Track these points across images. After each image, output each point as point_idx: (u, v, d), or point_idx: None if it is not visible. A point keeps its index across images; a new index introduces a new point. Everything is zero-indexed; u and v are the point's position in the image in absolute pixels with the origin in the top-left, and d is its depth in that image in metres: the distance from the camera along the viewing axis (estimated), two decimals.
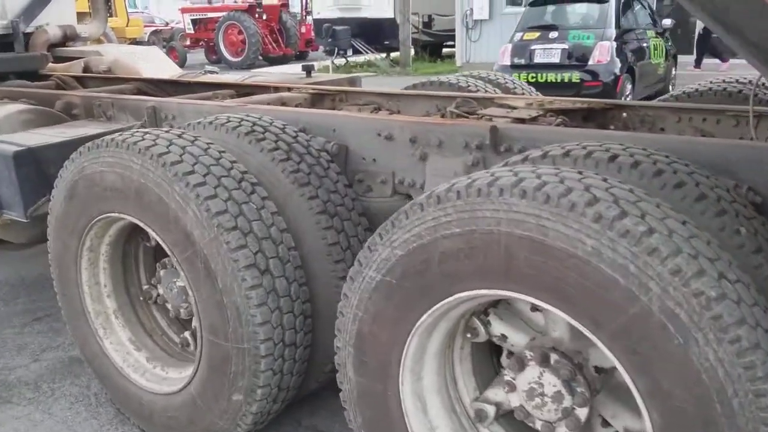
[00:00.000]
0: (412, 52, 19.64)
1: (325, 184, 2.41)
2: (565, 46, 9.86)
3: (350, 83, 4.73)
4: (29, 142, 3.01)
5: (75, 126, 3.42)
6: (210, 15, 24.44)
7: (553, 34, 10.09)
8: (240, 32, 22.59)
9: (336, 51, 19.66)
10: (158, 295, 2.73)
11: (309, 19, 26.60)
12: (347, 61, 21.14)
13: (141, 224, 2.35)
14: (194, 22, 24.75)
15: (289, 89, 4.05)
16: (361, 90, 3.97)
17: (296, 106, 3.83)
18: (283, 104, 3.77)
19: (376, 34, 20.21)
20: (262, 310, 2.11)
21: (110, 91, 4.62)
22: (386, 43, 20.60)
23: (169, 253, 2.30)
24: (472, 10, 17.58)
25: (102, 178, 2.39)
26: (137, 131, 2.44)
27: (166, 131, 2.43)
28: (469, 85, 3.78)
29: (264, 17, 23.36)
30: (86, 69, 5.50)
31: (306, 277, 2.28)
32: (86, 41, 6.25)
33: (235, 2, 24.30)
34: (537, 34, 10.22)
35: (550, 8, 11.09)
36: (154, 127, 3.39)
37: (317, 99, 3.99)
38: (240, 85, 4.41)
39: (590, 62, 9.61)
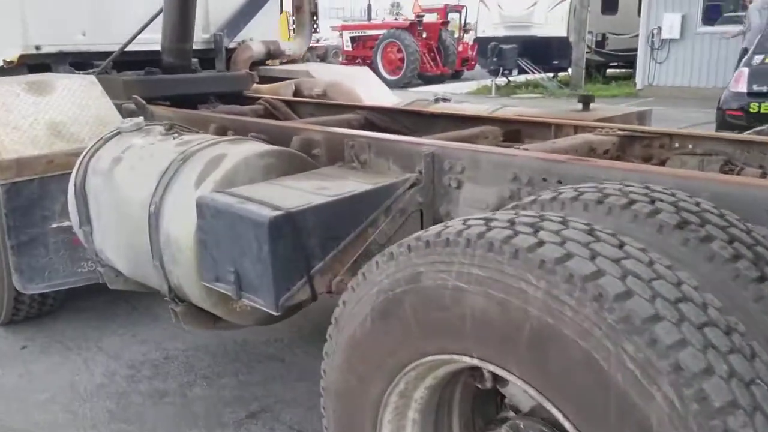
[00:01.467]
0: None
1: None
2: None
3: (639, 118, 3.62)
4: (285, 202, 2.14)
5: (329, 176, 2.55)
6: (369, 33, 24.18)
7: None
8: (399, 50, 22.09)
9: (501, 71, 18.54)
10: None
11: (467, 37, 25.76)
12: (509, 81, 19.98)
13: (529, 390, 1.36)
14: (353, 39, 24.60)
15: (586, 128, 3.00)
16: (695, 134, 2.84)
17: (604, 154, 2.77)
18: (592, 151, 2.72)
19: (543, 53, 18.89)
20: None
21: (338, 122, 3.80)
22: (555, 63, 19.22)
23: None
24: (660, 28, 15.88)
25: (458, 299, 1.42)
26: (521, 217, 1.46)
27: (559, 220, 1.43)
28: None
29: (424, 35, 22.75)
30: (297, 92, 4.75)
31: None
32: (289, 59, 5.55)
33: (396, 20, 23.92)
34: None
35: None
36: (431, 182, 2.46)
37: (626, 143, 2.91)
38: (504, 120, 3.41)
39: None
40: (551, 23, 18.85)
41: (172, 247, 2.48)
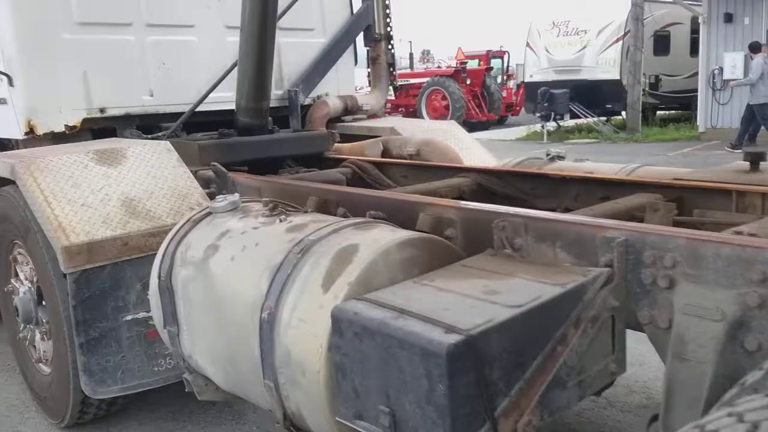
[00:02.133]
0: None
1: None
2: None
3: None
4: (459, 319, 1.59)
5: (490, 272, 2.00)
6: (412, 81, 23.97)
7: None
8: (444, 98, 21.80)
9: (553, 116, 18.03)
10: None
11: (510, 83, 25.40)
12: (559, 126, 19.44)
13: None
14: (395, 88, 24.36)
15: None
16: None
17: None
18: None
19: (595, 97, 18.33)
20: None
21: (448, 188, 3.28)
22: (607, 106, 18.63)
23: None
24: (721, 69, 15.23)
25: None
26: None
27: None
28: None
29: (468, 82, 22.45)
30: (385, 151, 4.26)
31: None
32: (366, 115, 5.09)
33: (439, 67, 23.68)
34: None
35: None
36: (623, 279, 1.90)
37: None
38: (662, 185, 2.83)
39: None
40: (602, 66, 18.34)
41: (293, 367, 1.94)
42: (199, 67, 4.35)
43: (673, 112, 20.82)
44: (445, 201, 2.52)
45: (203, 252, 2.38)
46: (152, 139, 4.11)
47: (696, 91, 16.47)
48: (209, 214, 2.56)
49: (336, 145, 4.51)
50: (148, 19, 4.15)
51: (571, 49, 18.86)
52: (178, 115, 4.29)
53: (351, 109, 5.00)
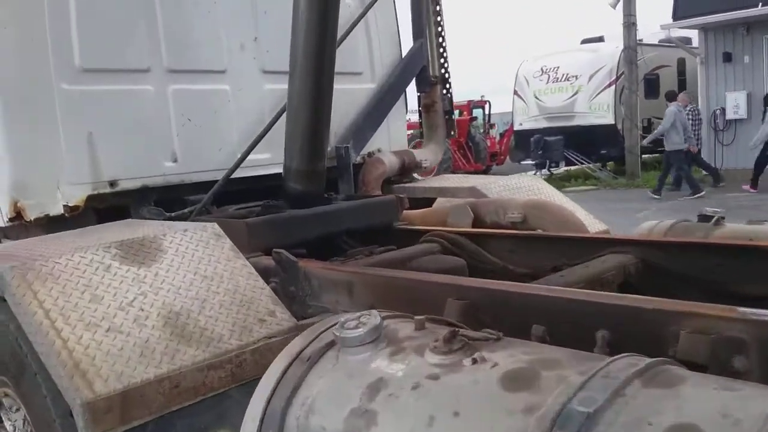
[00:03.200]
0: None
1: None
2: None
3: None
4: None
5: None
6: None
7: None
8: None
9: (548, 164, 17.44)
10: None
11: (493, 132, 24.95)
12: (552, 173, 18.84)
13: None
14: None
15: None
16: None
17: None
18: None
19: (589, 143, 17.82)
20: None
21: (610, 272, 2.36)
22: (602, 152, 18.12)
23: None
24: (723, 109, 14.82)
25: None
26: None
27: None
28: None
29: (452, 133, 21.85)
30: (476, 218, 3.34)
31: None
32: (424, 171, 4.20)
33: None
34: None
35: None
36: None
37: None
38: None
39: None
40: (595, 111, 17.90)
41: None
42: (232, 123, 3.43)
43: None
44: (718, 309, 1.58)
45: (346, 422, 1.40)
46: (176, 218, 3.14)
47: None
48: (332, 345, 1.59)
49: (405, 212, 3.59)
50: (169, 63, 3.23)
51: (563, 95, 18.43)
52: (204, 185, 3.34)
53: (408, 166, 4.10)
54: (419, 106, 4.49)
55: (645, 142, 15.26)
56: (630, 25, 15.87)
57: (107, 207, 3.13)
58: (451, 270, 2.52)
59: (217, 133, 3.38)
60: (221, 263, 2.34)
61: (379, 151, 4.07)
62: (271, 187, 3.43)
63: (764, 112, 13.37)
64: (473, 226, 3.31)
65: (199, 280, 2.24)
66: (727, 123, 14.88)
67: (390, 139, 4.19)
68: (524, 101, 19.44)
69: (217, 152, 3.35)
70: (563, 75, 18.37)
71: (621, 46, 16.59)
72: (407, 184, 4.06)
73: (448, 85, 4.39)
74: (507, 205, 3.23)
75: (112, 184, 3.08)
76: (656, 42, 18.94)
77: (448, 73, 4.38)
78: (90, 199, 3.04)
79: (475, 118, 23.45)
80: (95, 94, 3.00)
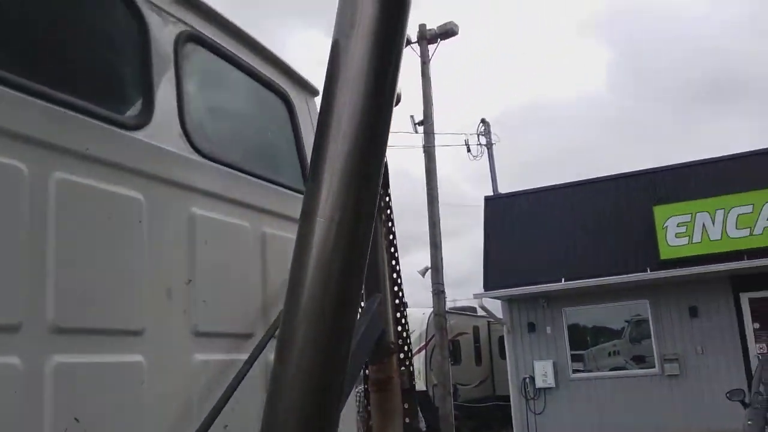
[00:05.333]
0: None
1: None
2: None
3: None
4: None
5: None
6: None
7: None
8: None
9: None
10: None
11: None
12: None
13: None
14: None
15: None
16: None
17: None
18: None
19: None
20: None
21: None
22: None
23: None
24: (532, 377, 15.09)
25: None
26: None
27: None
28: None
29: None
30: None
31: None
32: None
33: None
34: None
35: None
36: None
37: None
38: None
39: None
40: None
41: None
42: (144, 420, 1.94)
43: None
44: None
45: None
46: None
47: (488, 400, 16.16)
48: None
49: None
50: (55, 319, 1.76)
51: None
52: None
53: None
54: (364, 385, 3.25)
55: None
56: (439, 293, 16.24)
57: None
58: None
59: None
60: None
61: None
62: None
63: None
64: None
65: None
66: (537, 391, 15.05)
67: None
68: None
69: None
70: None
71: (427, 312, 16.79)
72: None
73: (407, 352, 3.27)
74: None
75: None
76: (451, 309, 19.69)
77: (409, 338, 3.29)
78: None
79: None
80: None
